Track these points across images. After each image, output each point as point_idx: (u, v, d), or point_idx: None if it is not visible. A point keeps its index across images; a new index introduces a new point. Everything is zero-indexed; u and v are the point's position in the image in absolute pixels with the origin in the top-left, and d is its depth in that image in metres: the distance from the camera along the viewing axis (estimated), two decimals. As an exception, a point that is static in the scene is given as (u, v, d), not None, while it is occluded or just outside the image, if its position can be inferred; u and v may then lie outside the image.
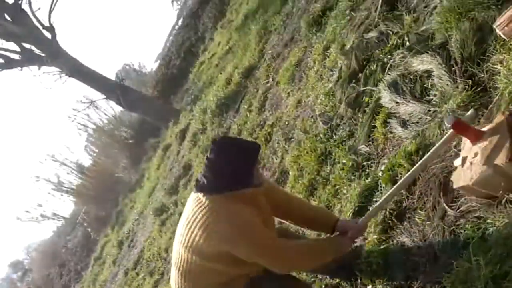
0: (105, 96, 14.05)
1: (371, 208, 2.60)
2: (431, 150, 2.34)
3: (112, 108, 17.69)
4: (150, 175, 12.10)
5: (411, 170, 2.45)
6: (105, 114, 17.34)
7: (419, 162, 2.41)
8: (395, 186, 2.50)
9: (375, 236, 2.66)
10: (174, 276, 2.42)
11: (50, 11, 12.65)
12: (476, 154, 2.06)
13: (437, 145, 2.32)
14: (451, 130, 2.21)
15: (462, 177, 2.12)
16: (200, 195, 2.28)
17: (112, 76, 17.27)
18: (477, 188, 2.06)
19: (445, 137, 2.30)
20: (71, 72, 12.58)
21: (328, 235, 2.62)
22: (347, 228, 2.54)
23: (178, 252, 2.35)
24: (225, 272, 2.29)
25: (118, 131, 17.84)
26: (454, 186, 2.18)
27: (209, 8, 16.46)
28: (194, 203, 2.29)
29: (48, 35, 12.78)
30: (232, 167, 2.25)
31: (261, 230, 2.24)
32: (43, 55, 12.61)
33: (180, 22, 23.53)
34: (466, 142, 2.21)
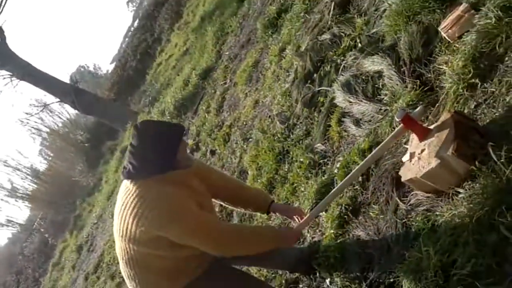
0: (59, 99, 13.70)
1: (320, 202, 2.66)
2: (382, 143, 2.44)
3: (67, 111, 17.33)
4: (108, 178, 11.92)
5: (363, 161, 2.53)
6: (59, 117, 16.96)
7: (369, 156, 2.50)
8: (344, 179, 2.57)
9: (332, 231, 2.75)
10: (121, 267, 2.40)
11: (-1, 13, 12.26)
12: (423, 150, 2.17)
13: (387, 139, 2.42)
14: (401, 125, 2.32)
15: (410, 171, 2.23)
16: (128, 182, 2.25)
17: (66, 78, 16.88)
18: (424, 181, 2.16)
19: (394, 131, 2.40)
20: (22, 75, 12.21)
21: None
22: (282, 211, 2.69)
23: (118, 244, 2.33)
24: (168, 257, 2.27)
25: (73, 135, 17.48)
26: (402, 179, 2.29)
27: (165, 9, 16.37)
28: (123, 192, 2.26)
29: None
30: (156, 151, 2.22)
31: (191, 211, 2.21)
32: (-8, 59, 12.19)
33: (136, 24, 23.26)
34: (414, 139, 2.32)
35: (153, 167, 2.22)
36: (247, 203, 2.73)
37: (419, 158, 2.17)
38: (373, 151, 2.48)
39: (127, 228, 2.19)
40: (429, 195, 2.23)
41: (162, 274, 2.31)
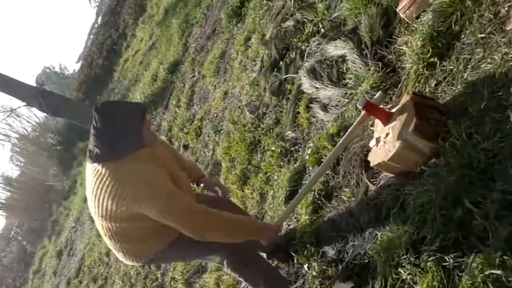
0: (25, 103, 13.40)
1: (295, 196, 2.65)
2: (348, 132, 2.48)
3: (35, 115, 16.98)
4: (83, 179, 11.75)
5: (331, 152, 2.58)
6: (28, 121, 16.61)
7: (337, 145, 2.54)
8: (316, 171, 2.60)
9: (306, 217, 2.79)
10: (107, 243, 2.44)
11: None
12: (387, 134, 2.21)
13: (351, 127, 2.46)
14: (363, 111, 2.36)
15: (377, 156, 2.27)
16: (97, 165, 2.24)
17: (32, 81, 16.53)
18: (392, 164, 2.21)
19: (358, 118, 2.45)
20: (-16, 80, 11.89)
21: None
22: (210, 185, 2.84)
23: (98, 223, 2.35)
24: (151, 226, 2.31)
25: (44, 138, 17.16)
26: (371, 165, 2.33)
27: (128, 3, 16.10)
28: (93, 175, 2.25)
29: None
30: (122, 131, 2.21)
31: (167, 191, 2.22)
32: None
33: (99, 20, 22.84)
34: (378, 124, 2.36)
35: (121, 148, 2.21)
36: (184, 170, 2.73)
37: (384, 142, 2.21)
38: (341, 140, 2.53)
39: (106, 209, 2.21)
40: (397, 176, 2.28)
41: (147, 239, 2.38)
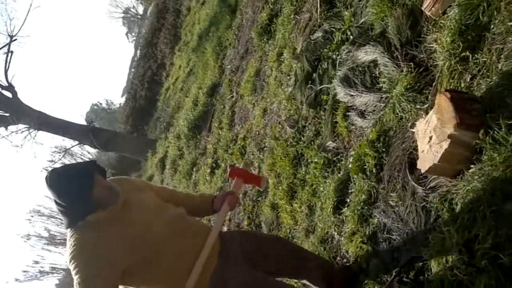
0: (78, 142, 13.98)
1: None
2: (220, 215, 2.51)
3: (87, 152, 17.63)
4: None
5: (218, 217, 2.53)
6: (81, 159, 17.24)
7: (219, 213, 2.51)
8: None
9: (356, 230, 2.77)
10: None
11: (6, 70, 12.59)
12: (431, 138, 2.18)
13: (229, 192, 2.60)
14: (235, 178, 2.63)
15: (426, 161, 2.22)
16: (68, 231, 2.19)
17: (82, 120, 17.22)
18: (442, 164, 2.17)
19: (232, 185, 2.65)
20: (38, 125, 12.50)
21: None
22: (219, 206, 2.52)
23: None
24: None
25: (98, 173, 17.69)
26: (423, 172, 2.26)
27: (163, 34, 16.57)
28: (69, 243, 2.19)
29: (8, 94, 12.72)
30: (68, 200, 2.11)
31: (86, 270, 2.08)
32: (7, 114, 12.51)
33: (138, 53, 23.59)
34: (419, 134, 2.32)
35: (71, 217, 2.14)
36: (194, 211, 2.53)
37: (430, 146, 2.18)
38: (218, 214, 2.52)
39: None
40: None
41: None
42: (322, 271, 2.63)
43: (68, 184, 2.11)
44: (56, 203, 2.14)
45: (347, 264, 2.80)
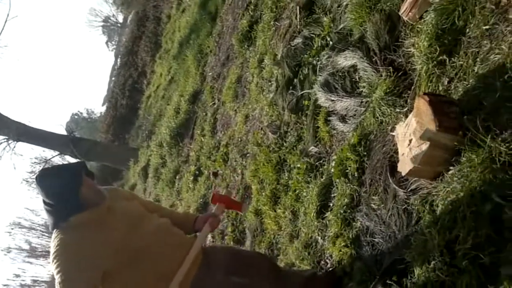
0: (58, 152, 13.81)
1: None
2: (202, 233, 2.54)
3: (68, 162, 17.38)
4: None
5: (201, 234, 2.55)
6: (63, 169, 17.02)
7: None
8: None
9: (337, 231, 2.78)
10: None
11: (-16, 81, 12.40)
12: (410, 140, 2.20)
13: (211, 214, 2.67)
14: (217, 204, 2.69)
15: (406, 164, 2.24)
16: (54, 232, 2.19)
17: (62, 130, 17.04)
18: (422, 167, 2.19)
19: (214, 209, 2.71)
20: (17, 136, 12.34)
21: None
22: (201, 227, 2.52)
23: None
24: None
25: (80, 183, 17.49)
26: (403, 175, 2.29)
27: (143, 42, 16.51)
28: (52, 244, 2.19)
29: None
30: (54, 199, 2.13)
31: (67, 271, 2.08)
32: (-15, 126, 12.34)
33: (119, 62, 23.45)
34: (399, 137, 2.35)
35: (55, 218, 2.15)
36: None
37: (410, 149, 2.21)
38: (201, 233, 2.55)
39: None
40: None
41: None
42: (303, 283, 2.63)
43: (57, 181, 2.15)
44: (44, 202, 2.16)
45: (331, 269, 2.82)
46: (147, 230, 2.27)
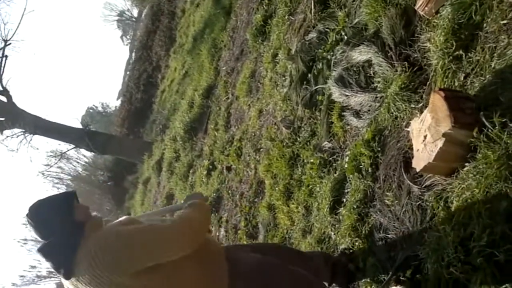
0: (74, 146, 13.95)
1: None
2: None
3: (83, 155, 17.60)
4: (136, 212, 12.07)
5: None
6: (78, 162, 17.22)
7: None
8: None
9: (352, 225, 2.78)
10: None
11: (0, 75, 12.57)
12: (426, 136, 2.18)
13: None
14: None
15: (421, 160, 2.23)
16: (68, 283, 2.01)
17: (77, 123, 17.24)
18: (437, 163, 2.17)
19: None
20: (34, 129, 12.48)
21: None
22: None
23: None
24: None
25: (95, 177, 17.74)
26: (418, 171, 2.27)
27: (158, 36, 16.57)
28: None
29: (3, 99, 12.69)
30: (51, 231, 2.01)
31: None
32: (2, 119, 12.49)
33: (133, 56, 23.56)
34: (413, 133, 2.33)
35: (67, 252, 1.97)
36: None
37: (425, 145, 2.19)
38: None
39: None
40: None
41: None
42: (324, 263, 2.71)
43: (48, 211, 2.04)
44: (44, 246, 2.01)
45: (346, 251, 2.82)
46: None
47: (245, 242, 4.35)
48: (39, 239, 2.05)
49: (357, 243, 2.74)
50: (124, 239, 1.97)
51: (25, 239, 18.25)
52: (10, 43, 13.41)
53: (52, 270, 2.03)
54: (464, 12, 2.30)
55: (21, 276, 18.72)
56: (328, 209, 3.08)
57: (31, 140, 12.90)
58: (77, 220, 2.04)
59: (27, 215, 2.06)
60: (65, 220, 2.02)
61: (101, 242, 1.96)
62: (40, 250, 2.02)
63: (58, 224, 2.01)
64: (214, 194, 5.80)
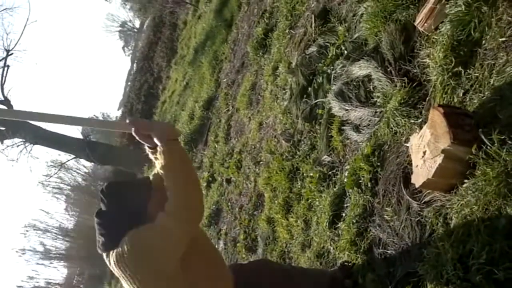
0: (74, 156, 13.96)
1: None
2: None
3: (83, 166, 17.59)
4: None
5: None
6: (77, 172, 17.21)
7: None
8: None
9: (350, 240, 2.77)
10: None
11: (2, 84, 12.62)
12: (425, 152, 2.19)
13: None
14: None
15: (420, 176, 2.23)
16: (105, 255, 2.10)
17: (77, 133, 17.23)
18: (436, 179, 2.17)
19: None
20: (34, 139, 12.50)
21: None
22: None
23: None
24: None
25: (94, 187, 17.72)
26: (417, 187, 2.27)
27: (159, 47, 16.65)
28: (110, 267, 2.10)
29: (4, 108, 12.72)
30: (127, 211, 2.07)
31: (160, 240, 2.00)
32: (2, 128, 12.50)
33: (135, 67, 23.66)
34: (413, 149, 2.33)
35: (125, 229, 2.03)
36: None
37: (424, 161, 2.19)
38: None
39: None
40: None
41: None
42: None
43: (130, 195, 2.13)
44: (110, 217, 2.10)
45: (345, 263, 2.79)
46: None
47: (244, 256, 4.34)
48: (103, 208, 2.13)
49: (356, 258, 2.73)
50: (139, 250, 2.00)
51: (23, 249, 18.20)
52: (12, 53, 13.50)
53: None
54: (463, 29, 2.31)
55: (19, 286, 18.63)
56: (327, 224, 3.07)
57: (31, 150, 12.93)
58: (148, 209, 2.11)
59: (105, 186, 2.15)
60: (140, 204, 2.10)
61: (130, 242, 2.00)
62: (99, 216, 2.11)
63: (131, 205, 2.09)
64: (214, 206, 5.79)
